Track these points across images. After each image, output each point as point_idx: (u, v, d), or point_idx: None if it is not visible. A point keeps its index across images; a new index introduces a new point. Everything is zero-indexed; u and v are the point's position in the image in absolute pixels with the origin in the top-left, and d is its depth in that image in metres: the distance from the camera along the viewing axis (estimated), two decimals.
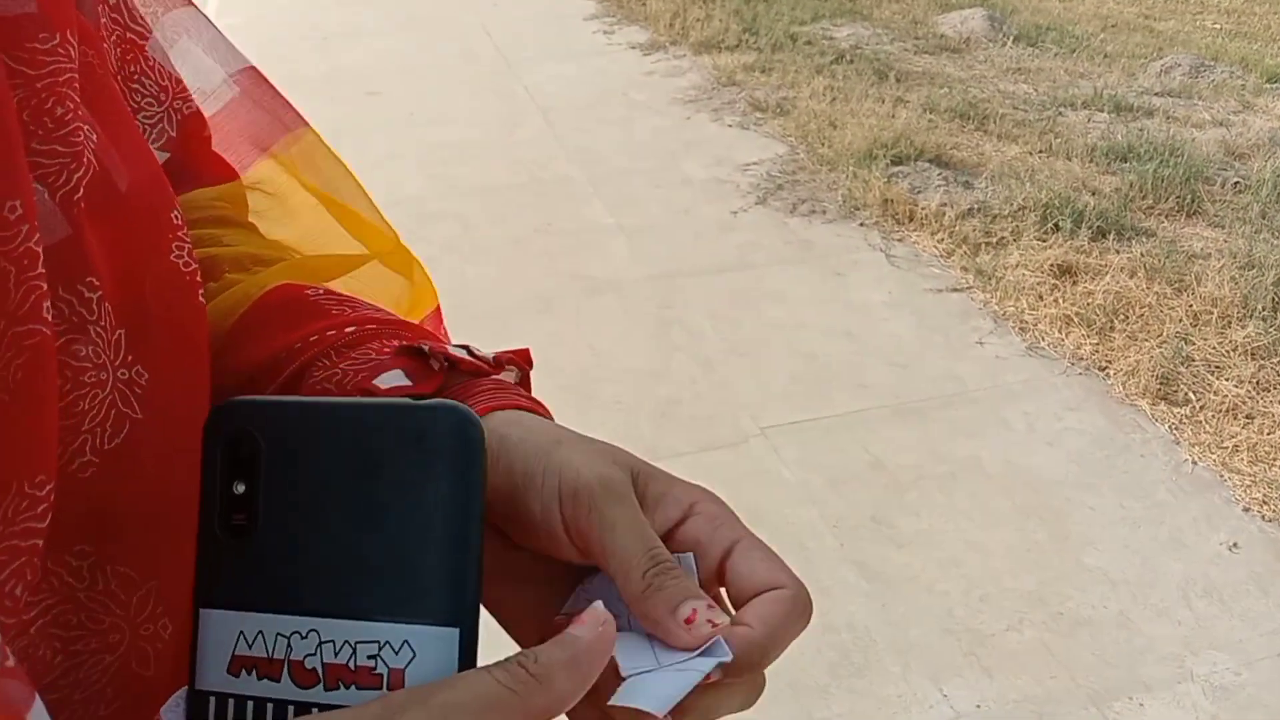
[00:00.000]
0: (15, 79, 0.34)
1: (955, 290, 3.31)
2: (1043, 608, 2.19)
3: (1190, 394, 2.81)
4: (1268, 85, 5.13)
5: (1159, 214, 3.75)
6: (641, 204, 3.87)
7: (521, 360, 0.47)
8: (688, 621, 0.35)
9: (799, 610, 0.37)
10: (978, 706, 1.98)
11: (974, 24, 5.87)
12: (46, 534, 0.32)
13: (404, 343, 0.45)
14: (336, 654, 0.33)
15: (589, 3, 6.48)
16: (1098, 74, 5.27)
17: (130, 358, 0.37)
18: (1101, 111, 4.72)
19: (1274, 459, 2.59)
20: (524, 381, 0.47)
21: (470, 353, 0.45)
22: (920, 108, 4.57)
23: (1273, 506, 2.44)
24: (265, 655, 0.34)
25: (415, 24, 6.02)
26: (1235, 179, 4.01)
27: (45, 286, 0.32)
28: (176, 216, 0.41)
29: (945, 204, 3.68)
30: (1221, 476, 2.55)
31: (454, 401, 0.35)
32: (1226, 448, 2.62)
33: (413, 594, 0.33)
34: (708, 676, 0.35)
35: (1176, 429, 2.70)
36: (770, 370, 2.91)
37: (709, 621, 0.35)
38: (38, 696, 0.29)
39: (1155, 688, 2.02)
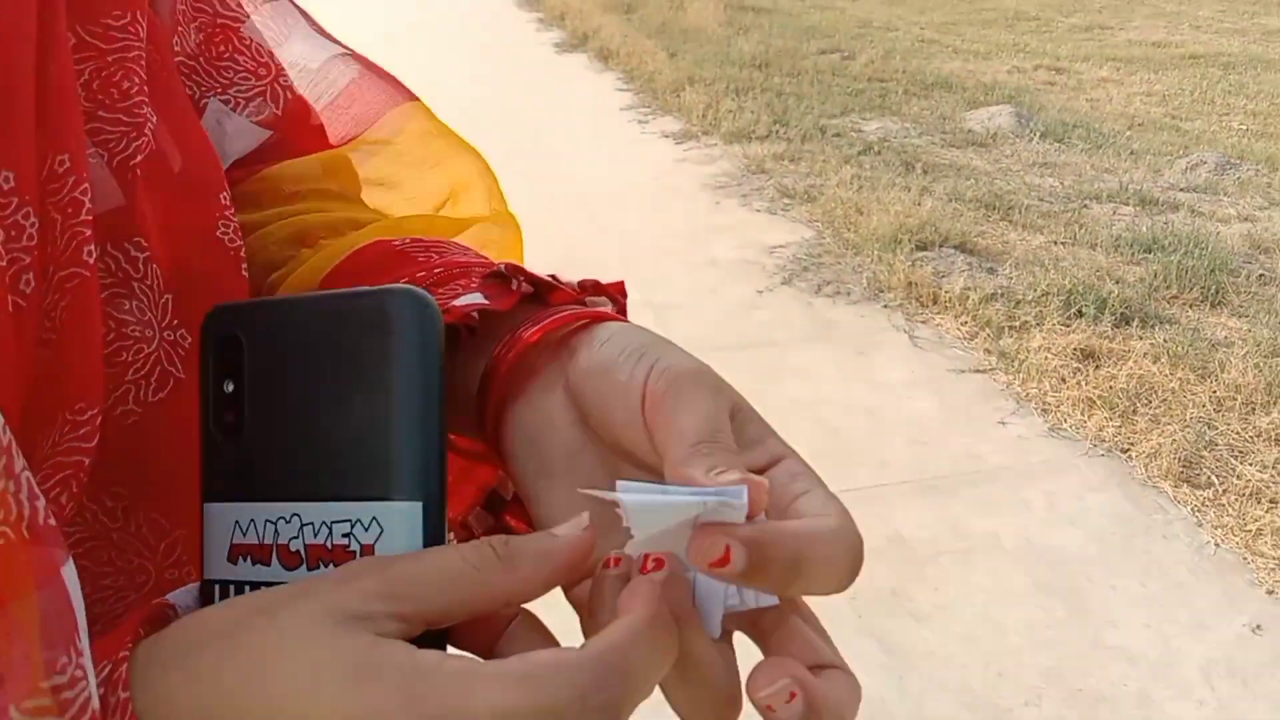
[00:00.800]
0: (87, 50, 0.38)
1: (978, 371, 3.34)
2: (1061, 684, 2.17)
3: (1213, 477, 2.80)
4: None
5: (1183, 303, 3.78)
6: (671, 282, 3.95)
7: (615, 291, 0.45)
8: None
9: (842, 536, 0.33)
10: None
11: (1001, 120, 6.00)
12: (94, 453, 0.35)
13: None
14: (316, 535, 0.34)
15: (625, 95, 6.68)
16: (1123, 169, 5.34)
17: (176, 321, 0.40)
18: (1126, 205, 4.78)
19: None
20: (620, 315, 0.45)
21: (556, 279, 0.43)
22: (946, 197, 4.66)
23: None
24: (257, 541, 0.36)
25: (457, 110, 6.17)
26: (1260, 272, 4.04)
27: (88, 232, 0.35)
28: (225, 198, 0.44)
29: (969, 288, 3.73)
30: (1245, 559, 2.53)
31: (409, 285, 0.36)
32: (1250, 531, 2.61)
33: (378, 472, 0.34)
34: (710, 523, 0.30)
35: (1199, 511, 2.69)
36: (793, 444, 2.92)
37: (739, 475, 0.31)
38: (71, 559, 0.31)
39: None
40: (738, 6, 9.23)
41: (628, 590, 0.32)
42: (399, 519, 0.33)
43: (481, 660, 0.31)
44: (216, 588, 0.36)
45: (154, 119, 0.40)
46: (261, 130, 0.54)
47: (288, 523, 0.35)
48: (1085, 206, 4.75)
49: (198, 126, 0.46)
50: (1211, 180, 5.18)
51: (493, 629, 0.34)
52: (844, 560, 0.32)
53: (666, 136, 5.77)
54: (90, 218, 0.35)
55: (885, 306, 3.76)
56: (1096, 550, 2.55)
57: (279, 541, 0.35)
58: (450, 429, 0.36)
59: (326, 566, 0.34)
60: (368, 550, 0.33)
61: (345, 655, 0.29)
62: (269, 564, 0.35)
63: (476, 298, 0.41)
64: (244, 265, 0.44)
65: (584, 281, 0.44)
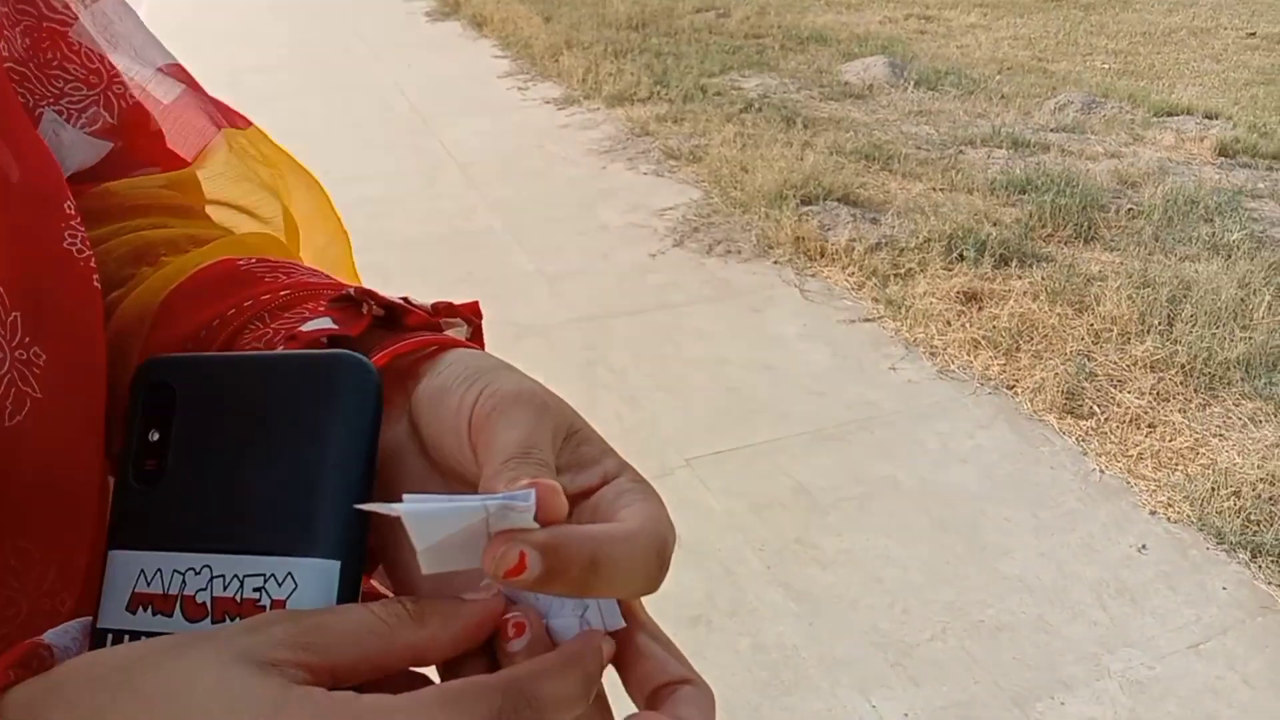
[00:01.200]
0: None
1: (867, 320, 3.41)
2: (963, 616, 2.25)
3: (1095, 407, 2.92)
4: (1155, 119, 5.39)
5: (1058, 241, 3.91)
6: (562, 250, 3.93)
7: (469, 312, 0.44)
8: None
9: (642, 535, 0.32)
10: (905, 715, 2.03)
11: (876, 71, 6.09)
12: None
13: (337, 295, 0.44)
14: (225, 588, 0.34)
15: (503, 61, 6.59)
16: (995, 113, 5.49)
17: (28, 339, 0.38)
18: (1000, 148, 4.92)
19: (1176, 464, 2.70)
20: (476, 336, 0.45)
21: (408, 302, 0.42)
22: (827, 150, 4.72)
23: (1177, 509, 2.55)
24: (161, 591, 0.35)
25: (331, 87, 6.06)
26: (1128, 205, 4.20)
27: None
28: (70, 207, 0.42)
29: (854, 239, 3.80)
30: (1128, 483, 2.65)
31: (352, 351, 0.36)
32: (1131, 456, 2.73)
33: (300, 528, 0.34)
34: (504, 531, 0.30)
35: (1083, 440, 2.81)
36: (693, 404, 2.97)
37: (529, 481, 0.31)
38: None
39: (1075, 686, 2.09)
40: None
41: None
42: (315, 576, 0.33)
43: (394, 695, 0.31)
44: (110, 636, 0.35)
45: None
46: (99, 142, 0.52)
47: (197, 574, 0.34)
48: (961, 152, 4.87)
49: (34, 134, 0.43)
50: (1079, 119, 5.36)
51: (395, 691, 0.33)
52: (645, 559, 0.32)
53: (548, 102, 5.72)
54: None
55: (775, 263, 3.81)
56: (989, 485, 2.65)
57: (185, 592, 0.34)
58: None
59: (232, 620, 0.33)
60: (278, 605, 0.33)
61: (262, 696, 0.28)
62: (170, 615, 0.34)
63: (325, 322, 0.40)
64: (95, 276, 0.42)
65: (437, 304, 0.43)
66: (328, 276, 0.49)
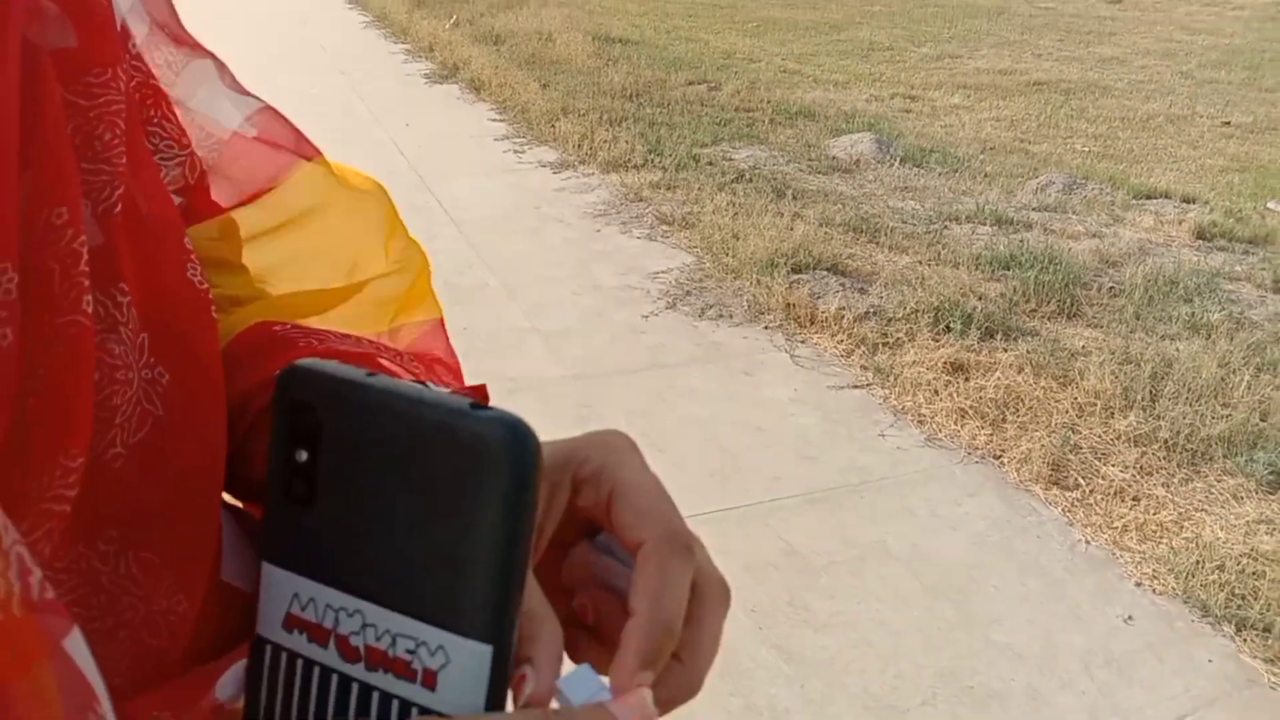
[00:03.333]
0: (71, 108, 0.39)
1: (856, 387, 3.47)
2: (954, 682, 2.27)
3: (1080, 479, 2.97)
4: (1134, 201, 5.53)
5: (1041, 316, 4.00)
6: (557, 308, 3.98)
7: (479, 397, 0.46)
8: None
9: (672, 558, 0.37)
10: None
11: (863, 147, 6.23)
12: (75, 501, 0.35)
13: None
14: (378, 639, 0.34)
15: (500, 125, 6.70)
16: (979, 191, 5.62)
17: (153, 359, 0.41)
18: (984, 225, 5.03)
19: (1161, 537, 2.74)
20: None
21: (430, 388, 0.45)
22: (816, 222, 4.82)
23: (1162, 581, 2.59)
24: (315, 621, 0.36)
25: (327, 146, 6.12)
26: (1110, 284, 4.30)
27: (87, 283, 0.36)
28: (188, 242, 0.45)
29: (843, 308, 3.87)
30: (1114, 554, 2.69)
31: (513, 414, 0.34)
32: (1116, 528, 2.78)
33: (454, 604, 0.33)
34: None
35: (1069, 511, 2.85)
36: (686, 464, 3.00)
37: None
38: (77, 627, 0.31)
39: None
40: (604, 39, 9.36)
41: None
42: (468, 657, 0.33)
43: None
44: (269, 648, 0.37)
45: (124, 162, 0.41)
46: (176, 197, 0.54)
47: (350, 616, 0.35)
48: (946, 227, 4.98)
49: (157, 174, 0.46)
50: (1060, 199, 5.49)
51: None
52: (681, 563, 0.37)
53: (544, 166, 5.81)
54: (88, 269, 0.36)
55: (766, 328, 3.87)
56: (978, 553, 2.68)
57: (339, 631, 0.35)
58: None
59: (385, 673, 0.34)
60: (429, 675, 0.33)
61: None
62: (325, 647, 0.35)
63: None
64: (213, 308, 0.45)
65: (456, 389, 0.44)
66: (358, 343, 0.51)
